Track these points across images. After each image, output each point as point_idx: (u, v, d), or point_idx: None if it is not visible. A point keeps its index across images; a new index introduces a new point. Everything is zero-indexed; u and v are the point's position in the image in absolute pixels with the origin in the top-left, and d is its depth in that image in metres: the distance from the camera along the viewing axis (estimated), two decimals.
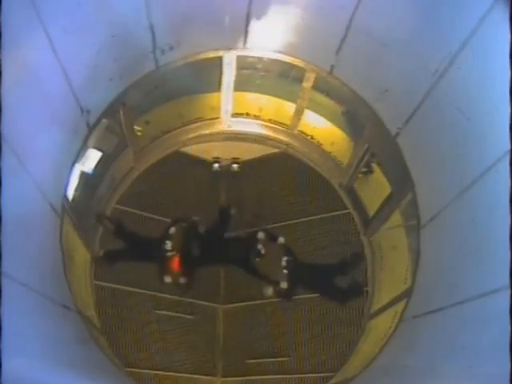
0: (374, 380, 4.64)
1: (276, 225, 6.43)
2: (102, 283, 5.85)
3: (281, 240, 6.15)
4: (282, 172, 6.65)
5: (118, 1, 3.95)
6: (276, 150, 6.67)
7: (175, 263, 5.94)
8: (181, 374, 6.02)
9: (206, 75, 5.57)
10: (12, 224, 2.89)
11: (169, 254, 5.87)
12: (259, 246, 6.00)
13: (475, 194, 3.56)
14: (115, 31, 4.09)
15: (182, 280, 6.05)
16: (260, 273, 6.08)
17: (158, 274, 6.02)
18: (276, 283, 6.00)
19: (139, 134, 5.90)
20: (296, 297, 6.20)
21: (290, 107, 6.06)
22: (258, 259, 6.02)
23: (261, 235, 6.11)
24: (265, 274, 6.06)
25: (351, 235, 6.32)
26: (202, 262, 6.09)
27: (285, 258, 5.97)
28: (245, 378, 6.09)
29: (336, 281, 6.07)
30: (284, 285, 5.95)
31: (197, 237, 6.03)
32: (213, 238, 6.20)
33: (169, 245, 5.87)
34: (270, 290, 6.14)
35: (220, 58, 5.26)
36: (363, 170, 5.86)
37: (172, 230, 5.98)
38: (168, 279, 5.96)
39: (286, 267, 5.96)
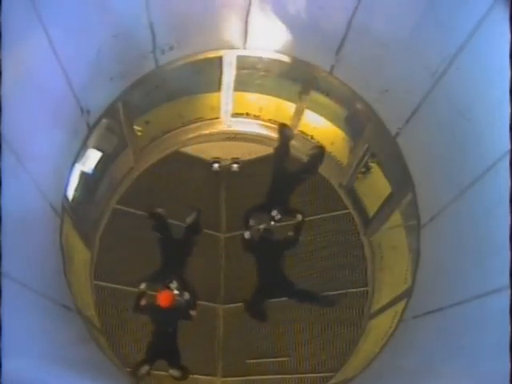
0: (374, 380, 4.64)
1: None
2: (102, 283, 5.85)
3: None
4: None
5: (118, 1, 3.95)
6: None
7: (164, 298, 5.56)
8: None
9: (206, 75, 5.57)
10: (12, 224, 2.89)
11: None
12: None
13: (475, 194, 3.57)
14: (115, 31, 4.09)
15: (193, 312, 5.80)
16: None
17: None
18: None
19: (139, 133, 5.90)
20: None
21: (289, 107, 6.06)
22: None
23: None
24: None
25: (351, 235, 6.33)
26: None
27: (274, 212, 5.95)
28: (245, 377, 6.09)
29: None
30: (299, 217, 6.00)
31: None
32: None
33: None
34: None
35: (220, 58, 5.26)
36: (363, 169, 5.86)
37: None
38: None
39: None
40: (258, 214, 6.12)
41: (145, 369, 5.47)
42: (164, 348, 5.62)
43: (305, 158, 6.33)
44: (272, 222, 6.04)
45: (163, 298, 5.52)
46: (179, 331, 5.69)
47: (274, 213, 5.97)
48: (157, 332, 5.66)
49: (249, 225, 6.06)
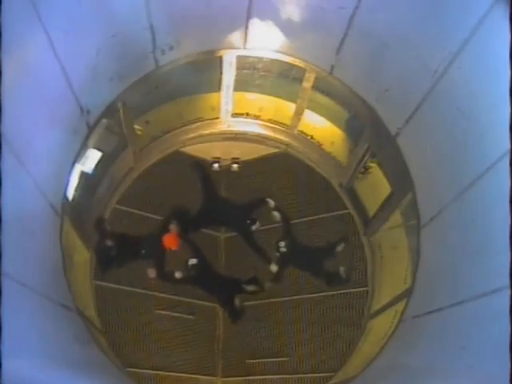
0: (374, 380, 4.64)
1: (276, 225, 6.44)
2: (102, 283, 5.85)
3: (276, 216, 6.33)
4: (282, 172, 6.66)
5: (118, 1, 3.95)
6: (276, 150, 6.67)
7: (171, 240, 5.94)
8: (181, 374, 6.03)
9: (206, 75, 5.58)
10: (12, 224, 2.89)
11: None
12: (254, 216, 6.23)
13: (475, 193, 3.57)
14: (115, 31, 4.09)
15: (178, 275, 6.09)
16: (256, 244, 6.27)
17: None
18: (268, 261, 6.17)
19: (139, 133, 5.91)
20: (296, 297, 6.21)
21: (289, 107, 6.06)
22: (254, 227, 6.24)
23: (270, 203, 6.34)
24: (260, 247, 6.24)
25: (351, 235, 6.33)
26: (198, 224, 6.22)
27: (282, 244, 6.17)
28: (245, 377, 6.10)
29: (326, 263, 6.19)
30: (274, 268, 6.14)
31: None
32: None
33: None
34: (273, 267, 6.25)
35: (220, 58, 5.26)
36: (363, 170, 5.87)
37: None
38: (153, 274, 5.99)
39: (280, 250, 6.18)
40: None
41: (237, 302, 6.07)
42: (225, 287, 6.18)
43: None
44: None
45: (169, 241, 5.92)
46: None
47: (254, 226, 6.33)
48: (209, 287, 6.10)
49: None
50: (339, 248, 6.11)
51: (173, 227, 6.03)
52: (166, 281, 6.04)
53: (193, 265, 6.09)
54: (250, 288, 6.11)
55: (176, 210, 6.25)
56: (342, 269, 6.11)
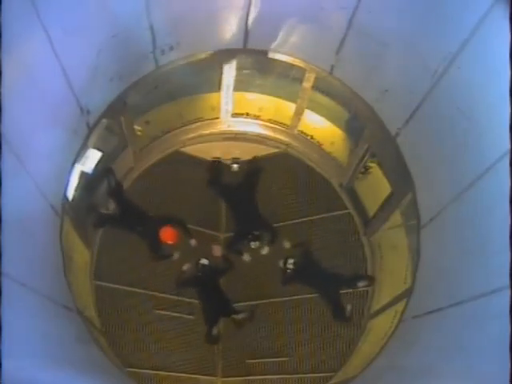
0: (374, 380, 4.64)
1: (276, 225, 6.43)
2: (102, 283, 5.85)
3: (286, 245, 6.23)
4: (282, 172, 6.65)
5: (118, 1, 3.95)
6: (276, 150, 6.67)
7: (169, 234, 5.86)
8: (181, 374, 6.02)
9: (206, 75, 5.58)
10: (12, 224, 2.89)
11: None
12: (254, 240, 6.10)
13: (475, 193, 3.57)
14: (115, 31, 4.09)
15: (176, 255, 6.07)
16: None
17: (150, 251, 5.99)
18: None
19: (139, 133, 5.91)
20: (296, 297, 6.21)
21: (289, 107, 6.06)
22: (253, 245, 6.12)
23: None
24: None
25: (351, 235, 6.33)
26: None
27: (291, 261, 6.02)
28: (245, 377, 6.10)
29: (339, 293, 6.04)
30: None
31: None
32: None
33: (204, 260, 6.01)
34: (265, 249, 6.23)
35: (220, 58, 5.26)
36: (363, 170, 5.87)
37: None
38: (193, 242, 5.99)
39: (286, 267, 6.03)
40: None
41: (215, 330, 5.82)
42: (217, 305, 5.94)
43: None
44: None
45: (166, 234, 5.81)
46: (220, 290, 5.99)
47: (253, 243, 6.16)
48: (204, 296, 5.94)
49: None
50: (361, 284, 5.96)
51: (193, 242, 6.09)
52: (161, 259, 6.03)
53: (203, 265, 6.00)
54: (240, 316, 6.02)
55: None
56: (349, 307, 5.97)
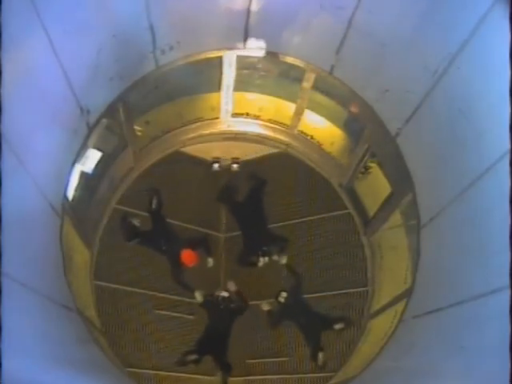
0: (374, 380, 4.64)
1: (276, 225, 6.43)
2: (102, 283, 5.85)
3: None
4: (282, 172, 6.65)
5: (118, 1, 3.95)
6: (276, 150, 6.67)
7: (189, 257, 5.91)
8: (181, 374, 6.02)
9: (206, 75, 5.57)
10: (12, 224, 2.89)
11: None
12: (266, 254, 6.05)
13: (475, 193, 3.57)
14: (115, 31, 4.09)
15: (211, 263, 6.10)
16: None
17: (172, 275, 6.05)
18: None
19: (139, 134, 5.90)
20: None
21: (289, 107, 6.06)
22: (262, 260, 6.04)
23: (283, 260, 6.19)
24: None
25: (351, 235, 6.33)
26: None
27: (284, 294, 6.00)
28: (245, 377, 6.10)
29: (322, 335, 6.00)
30: (265, 307, 6.01)
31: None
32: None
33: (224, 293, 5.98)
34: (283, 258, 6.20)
35: (220, 58, 5.26)
36: (363, 170, 5.86)
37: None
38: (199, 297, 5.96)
39: (278, 299, 6.00)
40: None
41: (192, 357, 5.78)
42: (214, 344, 5.89)
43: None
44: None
45: (187, 257, 5.87)
46: (230, 331, 5.94)
47: (262, 259, 6.13)
48: (210, 328, 5.91)
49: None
50: (337, 326, 5.91)
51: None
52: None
53: (223, 297, 5.94)
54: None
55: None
56: (321, 355, 5.90)
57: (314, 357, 5.92)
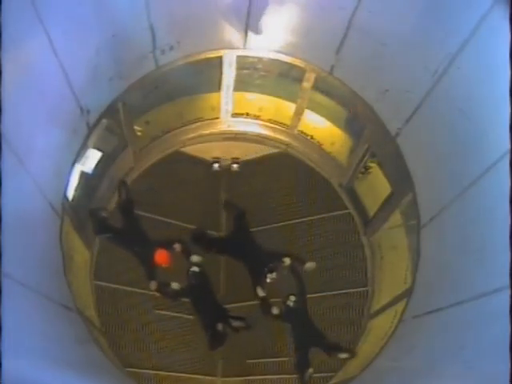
0: (374, 380, 4.64)
1: (276, 225, 6.43)
2: (102, 283, 5.85)
3: (309, 265, 6.14)
4: (282, 172, 6.65)
5: (118, 1, 3.95)
6: (276, 150, 6.67)
7: (163, 257, 5.79)
8: (181, 374, 6.02)
9: (206, 75, 5.57)
10: (12, 224, 2.89)
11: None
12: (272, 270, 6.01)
13: (475, 193, 3.57)
14: (115, 31, 4.10)
15: (175, 285, 5.89)
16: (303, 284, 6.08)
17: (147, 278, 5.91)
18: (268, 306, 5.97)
19: (139, 134, 5.90)
20: None
21: (289, 107, 6.06)
22: (269, 277, 6.01)
23: (286, 260, 6.11)
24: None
25: (351, 235, 6.33)
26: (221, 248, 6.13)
27: (292, 298, 5.96)
28: (245, 377, 6.09)
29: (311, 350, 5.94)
30: (276, 311, 5.95)
31: None
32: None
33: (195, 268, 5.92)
34: (310, 265, 6.13)
35: (220, 58, 5.26)
36: (363, 170, 5.86)
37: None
38: (153, 286, 5.83)
39: (287, 303, 5.97)
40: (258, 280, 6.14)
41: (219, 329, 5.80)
42: (212, 312, 5.96)
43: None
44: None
45: (160, 257, 5.75)
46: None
47: (269, 276, 6.01)
48: (198, 303, 5.95)
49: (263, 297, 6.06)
50: (341, 355, 5.83)
51: (177, 246, 5.94)
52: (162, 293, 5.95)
53: (194, 272, 5.92)
54: (236, 324, 5.94)
55: (195, 233, 6.18)
56: (310, 371, 5.85)
57: (301, 370, 5.88)
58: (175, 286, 5.90)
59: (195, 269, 5.93)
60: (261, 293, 5.98)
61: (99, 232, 5.81)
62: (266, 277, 5.99)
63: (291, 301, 5.96)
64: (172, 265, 5.85)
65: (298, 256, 6.17)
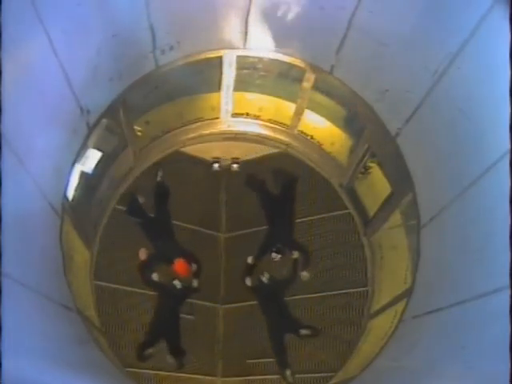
0: (374, 380, 4.64)
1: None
2: (101, 283, 5.85)
3: (305, 274, 6.24)
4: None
5: (118, 1, 3.95)
6: (276, 150, 6.67)
7: (183, 267, 5.95)
8: (181, 374, 6.02)
9: (206, 75, 5.57)
10: (12, 224, 2.89)
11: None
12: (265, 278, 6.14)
13: (475, 193, 3.57)
14: (115, 31, 4.09)
15: (195, 283, 6.10)
16: (287, 280, 6.20)
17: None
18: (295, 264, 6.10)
19: (139, 134, 5.90)
20: (296, 297, 6.21)
21: (289, 107, 6.06)
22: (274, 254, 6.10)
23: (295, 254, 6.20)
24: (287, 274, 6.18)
25: (351, 235, 6.33)
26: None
27: (273, 255, 6.08)
28: (245, 377, 6.10)
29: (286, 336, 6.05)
30: (296, 255, 6.08)
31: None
32: None
33: (178, 282, 6.00)
34: (304, 275, 6.20)
35: (220, 58, 5.26)
36: (363, 170, 5.86)
37: (154, 275, 6.04)
38: (195, 284, 6.03)
39: (279, 254, 6.09)
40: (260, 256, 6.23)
41: (148, 351, 5.78)
42: (166, 328, 5.93)
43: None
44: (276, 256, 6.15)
45: (180, 267, 5.90)
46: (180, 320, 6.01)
47: (274, 255, 6.10)
48: (160, 311, 5.93)
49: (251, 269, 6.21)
50: (304, 332, 5.97)
51: (194, 266, 6.10)
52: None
53: (175, 286, 6.02)
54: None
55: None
56: (288, 372, 5.93)
57: (281, 365, 5.96)
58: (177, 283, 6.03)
59: (177, 283, 6.01)
60: (251, 260, 6.13)
61: (132, 214, 6.02)
62: (271, 252, 6.08)
63: (265, 277, 6.05)
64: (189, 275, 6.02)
65: (308, 258, 6.23)
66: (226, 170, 6.72)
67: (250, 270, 6.21)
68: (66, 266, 4.44)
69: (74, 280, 4.69)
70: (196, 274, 6.16)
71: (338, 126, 5.89)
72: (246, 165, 6.72)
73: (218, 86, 5.80)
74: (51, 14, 3.33)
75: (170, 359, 5.85)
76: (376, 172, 5.64)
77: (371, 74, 4.59)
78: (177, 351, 5.90)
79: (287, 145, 6.55)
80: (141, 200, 6.10)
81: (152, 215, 6.16)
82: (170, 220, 6.22)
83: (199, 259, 6.23)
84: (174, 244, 6.14)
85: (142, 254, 6.02)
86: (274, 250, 6.09)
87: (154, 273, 6.01)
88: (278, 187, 6.50)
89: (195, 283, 6.14)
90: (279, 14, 4.50)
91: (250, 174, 6.56)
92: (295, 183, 6.46)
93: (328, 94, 5.53)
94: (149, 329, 5.92)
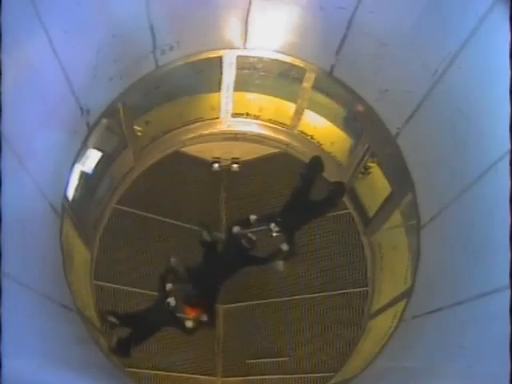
0: (374, 380, 4.64)
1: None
2: (102, 283, 5.85)
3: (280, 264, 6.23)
4: (282, 172, 6.65)
5: (118, 1, 3.95)
6: (276, 150, 6.67)
7: (191, 311, 5.92)
8: (181, 374, 6.03)
9: (206, 75, 5.57)
10: (12, 224, 2.89)
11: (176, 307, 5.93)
12: (246, 239, 6.09)
13: (475, 193, 3.56)
14: (115, 31, 4.09)
15: (204, 318, 5.98)
16: (263, 258, 6.18)
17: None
18: (279, 252, 6.10)
19: (139, 134, 5.91)
20: (296, 297, 6.21)
21: (289, 107, 6.06)
22: (252, 248, 6.09)
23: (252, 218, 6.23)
24: (266, 254, 6.17)
25: (351, 235, 6.33)
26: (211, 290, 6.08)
27: (272, 225, 6.05)
28: (245, 377, 6.10)
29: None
30: (285, 247, 6.05)
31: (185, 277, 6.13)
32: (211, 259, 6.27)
33: (172, 301, 5.91)
34: (280, 265, 6.22)
35: (220, 58, 5.26)
36: (363, 170, 5.87)
37: (168, 286, 6.02)
38: (189, 324, 5.92)
39: (277, 231, 6.05)
40: (260, 220, 6.23)
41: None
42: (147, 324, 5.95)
43: (325, 193, 6.43)
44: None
45: (191, 312, 5.86)
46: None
47: (272, 225, 6.07)
48: (152, 312, 5.95)
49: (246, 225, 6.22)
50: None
51: (204, 317, 5.97)
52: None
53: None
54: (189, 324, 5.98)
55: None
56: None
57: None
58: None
59: (172, 301, 5.96)
60: (252, 220, 6.18)
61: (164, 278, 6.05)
62: (273, 222, 6.09)
63: (248, 239, 6.07)
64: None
65: (291, 256, 6.25)
66: (226, 170, 6.72)
67: (244, 225, 6.22)
68: (66, 266, 4.44)
69: (74, 280, 4.69)
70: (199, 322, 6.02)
71: (337, 126, 5.90)
72: (245, 165, 6.72)
73: (218, 86, 5.80)
74: (51, 13, 3.33)
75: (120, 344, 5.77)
76: (376, 172, 5.64)
77: (371, 73, 4.59)
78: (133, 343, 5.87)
79: (287, 145, 6.55)
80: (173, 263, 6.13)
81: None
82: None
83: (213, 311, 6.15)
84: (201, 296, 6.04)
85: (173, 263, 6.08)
86: (277, 222, 6.08)
87: (169, 284, 6.01)
88: (323, 191, 6.44)
89: (189, 324, 5.96)
90: (279, 14, 4.50)
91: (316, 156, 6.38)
92: (339, 199, 6.38)
93: (328, 93, 5.53)
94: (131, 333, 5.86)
